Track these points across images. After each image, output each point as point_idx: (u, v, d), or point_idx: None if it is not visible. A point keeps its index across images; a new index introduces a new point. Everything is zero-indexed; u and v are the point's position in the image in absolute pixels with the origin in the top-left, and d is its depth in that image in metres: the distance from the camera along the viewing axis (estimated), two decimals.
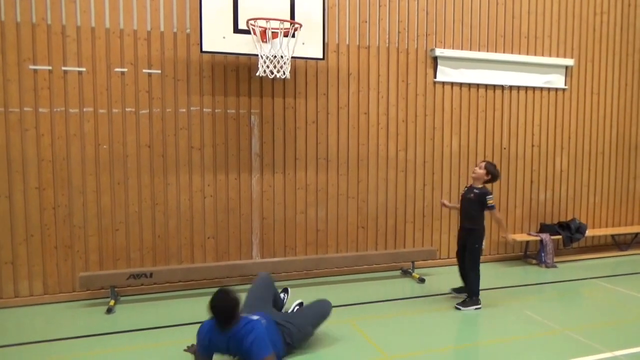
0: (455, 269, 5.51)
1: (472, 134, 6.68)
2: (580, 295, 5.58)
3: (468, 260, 5.01)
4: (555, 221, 7.18)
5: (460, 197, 5.17)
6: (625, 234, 7.55)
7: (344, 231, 6.12)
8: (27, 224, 4.96)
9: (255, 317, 3.39)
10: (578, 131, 7.28)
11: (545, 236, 6.76)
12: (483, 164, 4.96)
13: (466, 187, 5.13)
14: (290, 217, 5.88)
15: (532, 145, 7.01)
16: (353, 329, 4.38)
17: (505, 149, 6.87)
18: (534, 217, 7.14)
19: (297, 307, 4.32)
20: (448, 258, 6.67)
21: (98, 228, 5.18)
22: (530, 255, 7.03)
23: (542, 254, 6.73)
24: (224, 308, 3.25)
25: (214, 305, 3.26)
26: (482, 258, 6.86)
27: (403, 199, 6.39)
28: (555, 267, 6.66)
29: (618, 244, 7.55)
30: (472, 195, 4.96)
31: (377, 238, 6.28)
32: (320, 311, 4.03)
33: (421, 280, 5.89)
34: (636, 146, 7.67)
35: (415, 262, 6.24)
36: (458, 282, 5.70)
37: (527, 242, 6.97)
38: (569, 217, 7.27)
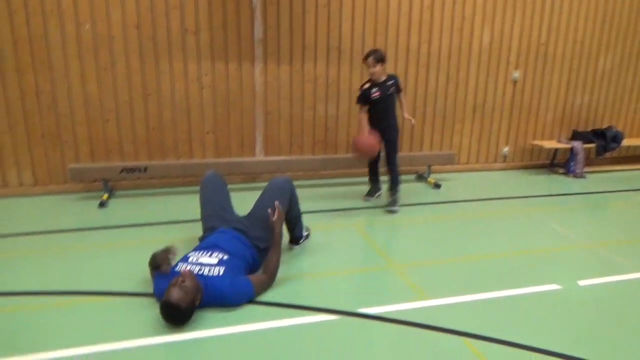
0: (474, 175, 5.09)
1: (506, 27, 5.86)
2: (610, 208, 5.12)
3: (392, 152, 4.65)
4: (590, 128, 6.54)
5: (370, 100, 4.49)
6: None
7: (356, 130, 5.62)
8: (9, 111, 4.57)
9: (210, 273, 2.80)
10: (630, 27, 6.37)
11: (577, 144, 6.17)
12: (372, 59, 4.39)
13: (369, 87, 4.49)
14: (297, 113, 5.38)
15: (574, 42, 6.17)
16: (358, 234, 4.05)
17: (542, 45, 6.07)
18: (567, 123, 6.50)
19: None
20: (467, 163, 6.20)
21: (86, 118, 4.77)
22: (557, 164, 6.49)
23: (571, 163, 6.19)
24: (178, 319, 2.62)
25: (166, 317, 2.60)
26: (504, 165, 6.46)
27: (423, 98, 5.78)
28: (584, 177, 6.14)
29: None
30: (391, 89, 4.54)
31: None
32: (278, 192, 3.37)
33: (437, 186, 5.47)
34: None
35: (432, 167, 5.80)
36: (476, 189, 5.31)
37: (556, 149, 6.40)
38: (605, 125, 6.61)
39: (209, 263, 2.85)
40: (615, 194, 5.56)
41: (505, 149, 6.33)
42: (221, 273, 2.79)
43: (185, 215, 4.31)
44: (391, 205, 4.61)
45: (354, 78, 5.43)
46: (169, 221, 4.20)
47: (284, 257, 3.47)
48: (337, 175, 5.69)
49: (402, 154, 5.77)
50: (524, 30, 5.93)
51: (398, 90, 4.66)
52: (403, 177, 5.77)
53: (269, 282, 3.02)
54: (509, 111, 6.19)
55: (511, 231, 4.27)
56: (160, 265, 2.87)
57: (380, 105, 4.49)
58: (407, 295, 3.05)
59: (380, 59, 4.40)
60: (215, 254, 2.94)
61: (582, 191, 5.59)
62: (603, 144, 6.29)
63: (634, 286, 3.32)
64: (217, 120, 5.13)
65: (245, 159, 5.24)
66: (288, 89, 5.28)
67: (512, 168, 6.42)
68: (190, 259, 2.90)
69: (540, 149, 6.41)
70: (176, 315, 2.56)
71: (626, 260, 3.73)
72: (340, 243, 3.84)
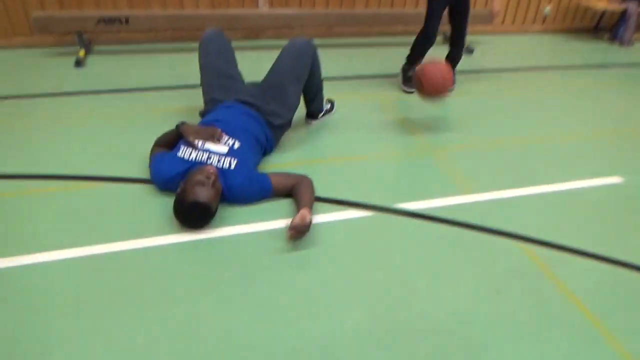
0: (510, 39, 4.33)
1: None
2: None
3: (464, 23, 3.57)
4: None
5: None
6: None
7: None
8: None
9: (220, 165, 2.23)
10: None
11: (632, 5, 5.28)
12: None
13: None
14: None
15: None
16: (385, 109, 3.44)
17: None
18: None
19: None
20: (502, 24, 5.35)
21: None
22: (602, 27, 5.66)
23: (621, 28, 5.37)
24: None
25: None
26: (543, 27, 5.61)
27: None
28: (632, 45, 5.38)
29: None
30: None
31: None
32: (297, 56, 2.68)
33: (469, 51, 4.72)
34: None
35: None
36: (517, 56, 4.62)
37: (603, 12, 5.52)
38: None
39: (218, 152, 2.28)
40: None
41: (548, 8, 5.43)
42: (233, 167, 2.24)
43: (180, 78, 3.62)
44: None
45: None
46: (161, 86, 3.52)
47: (300, 134, 2.92)
48: (354, 34, 4.87)
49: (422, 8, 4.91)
50: None
51: None
52: None
53: (293, 184, 2.33)
54: None
55: (556, 108, 3.69)
56: (188, 135, 2.31)
57: None
58: (450, 187, 2.57)
59: None
60: (224, 139, 2.35)
61: (636, 62, 4.89)
62: None
63: None
64: None
65: (247, 10, 4.35)
66: None
67: (552, 31, 5.59)
68: (194, 144, 2.32)
69: (585, 9, 5.51)
70: (203, 219, 2.08)
71: None
72: (365, 120, 3.25)
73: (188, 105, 3.16)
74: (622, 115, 3.66)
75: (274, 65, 2.72)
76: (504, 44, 5.13)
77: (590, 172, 2.84)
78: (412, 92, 3.61)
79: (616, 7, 5.35)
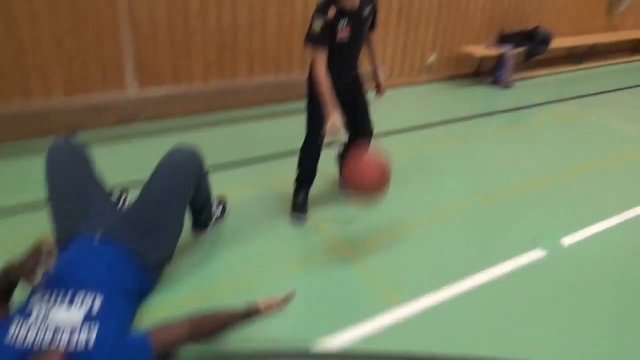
0: (403, 92, 4.18)
1: None
2: (558, 127, 4.59)
3: (367, 112, 2.85)
4: (517, 30, 5.84)
5: (335, 43, 2.43)
6: (580, 45, 6.50)
7: (262, 45, 4.31)
8: None
9: (72, 345, 1.58)
10: None
11: (508, 50, 5.48)
12: None
13: (334, 18, 2.35)
14: (178, 24, 3.90)
15: None
16: (277, 193, 3.02)
17: None
18: (494, 25, 5.73)
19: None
20: (391, 78, 5.26)
21: None
22: (483, 72, 5.82)
23: (500, 71, 5.54)
24: None
25: None
26: (429, 77, 5.64)
27: None
28: (512, 86, 5.56)
29: (574, 56, 6.57)
30: (367, 23, 2.56)
31: (306, 56, 4.60)
32: (180, 173, 2.15)
33: None
34: None
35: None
36: (407, 113, 4.48)
37: (482, 57, 5.68)
38: (531, 24, 5.96)
39: (68, 323, 1.66)
40: (551, 105, 5.06)
41: (432, 58, 5.46)
42: (91, 344, 1.62)
43: (26, 192, 2.91)
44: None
45: None
46: None
47: (189, 255, 2.40)
48: (240, 106, 4.43)
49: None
50: None
51: (371, 26, 2.65)
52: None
53: (190, 337, 1.77)
54: (436, 13, 5.22)
55: (452, 170, 3.53)
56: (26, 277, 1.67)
57: (347, 51, 2.52)
58: (375, 303, 2.19)
59: None
60: (78, 298, 1.74)
61: (520, 105, 5.00)
62: (533, 48, 5.67)
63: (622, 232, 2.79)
64: (63, 37, 3.49)
65: (111, 94, 3.75)
66: None
67: (438, 79, 5.63)
68: (34, 314, 1.69)
69: (465, 56, 5.63)
70: None
71: (602, 193, 3.19)
72: (264, 219, 2.79)
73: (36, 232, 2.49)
74: (524, 169, 3.60)
75: (148, 185, 2.14)
76: (393, 98, 5.01)
77: (510, 248, 2.64)
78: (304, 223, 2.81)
79: (493, 52, 5.52)
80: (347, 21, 2.37)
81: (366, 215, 2.82)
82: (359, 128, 2.82)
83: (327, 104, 2.37)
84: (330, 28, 2.35)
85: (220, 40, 4.09)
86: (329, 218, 2.84)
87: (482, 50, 5.51)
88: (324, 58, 2.39)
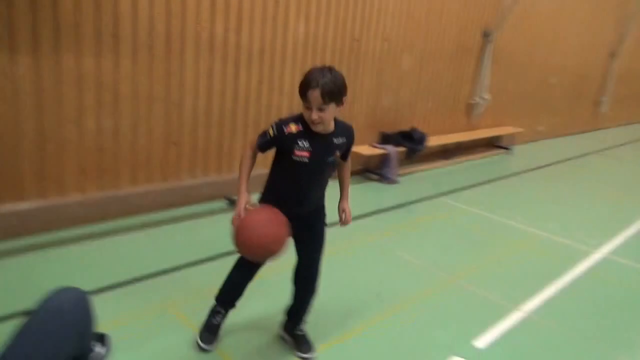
0: None
1: (322, 18, 5.01)
2: (442, 222, 4.83)
3: (319, 253, 2.48)
4: (395, 130, 6.30)
5: (289, 159, 2.20)
6: (449, 143, 7.20)
7: (146, 150, 4.03)
8: None
9: None
10: (430, 25, 6.28)
11: (391, 149, 5.83)
12: (319, 92, 2.04)
13: (295, 135, 2.16)
14: (51, 131, 3.50)
15: (383, 40, 5.75)
16: (184, 325, 2.65)
17: (357, 41, 5.45)
18: (376, 125, 6.12)
19: None
20: None
21: None
22: (370, 170, 6.09)
23: (386, 169, 5.84)
24: None
25: None
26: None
27: (232, 103, 4.52)
28: (398, 182, 5.87)
29: (446, 152, 7.22)
30: (335, 152, 2.28)
31: (196, 159, 4.39)
32: (58, 328, 1.63)
33: None
34: (469, 49, 7.15)
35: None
36: None
37: (370, 155, 5.96)
38: (407, 126, 6.48)
39: None
40: (434, 200, 5.37)
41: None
42: None
43: None
44: (306, 351, 2.51)
45: (140, 77, 3.82)
46: None
47: None
48: (126, 215, 4.01)
49: (209, 178, 4.46)
50: (339, 24, 5.19)
51: (344, 156, 2.41)
52: (211, 206, 4.46)
53: None
54: None
55: (357, 266, 3.47)
56: None
57: (305, 174, 2.24)
58: None
59: (337, 94, 2.10)
60: None
61: (406, 200, 5.24)
62: (412, 147, 6.12)
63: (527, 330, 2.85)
64: None
65: None
66: (34, 94, 3.36)
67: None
68: None
69: (353, 155, 5.85)
70: None
71: (495, 294, 3.29)
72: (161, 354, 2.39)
73: None
74: (418, 272, 3.64)
75: (11, 349, 1.59)
76: None
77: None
78: (209, 351, 2.46)
79: (378, 151, 5.83)
80: (309, 144, 2.16)
81: None
82: (303, 274, 2.48)
83: (241, 182, 2.24)
84: (284, 142, 2.18)
85: (97, 144, 3.73)
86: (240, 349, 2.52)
87: (368, 149, 5.80)
88: (254, 150, 2.27)
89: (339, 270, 3.44)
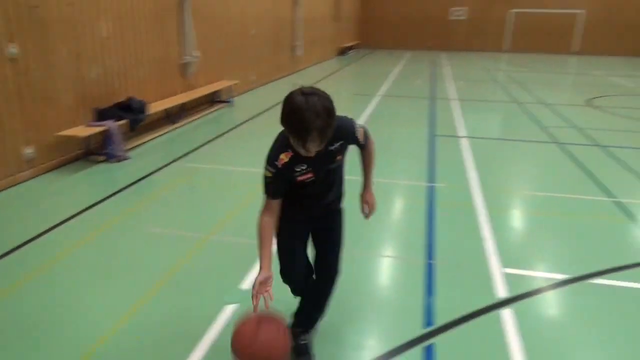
0: None
1: None
2: (184, 186, 4.80)
3: (337, 252, 2.35)
4: (110, 103, 5.82)
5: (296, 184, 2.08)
6: (171, 107, 7.08)
7: None
8: None
9: None
10: None
11: (111, 124, 5.38)
12: (319, 135, 1.81)
13: (289, 162, 2.00)
14: None
15: (67, 4, 5.08)
16: None
17: (36, 7, 4.67)
18: (87, 101, 5.52)
19: None
20: None
21: None
22: (94, 151, 5.52)
23: (110, 147, 5.39)
24: None
25: None
26: (34, 171, 4.90)
27: None
28: (128, 158, 5.52)
29: (170, 117, 7.07)
30: (337, 157, 2.12)
31: None
32: None
33: None
34: (169, 8, 6.97)
35: None
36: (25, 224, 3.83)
37: (89, 135, 5.38)
38: (122, 96, 6.05)
39: None
40: (172, 168, 5.27)
41: (29, 151, 4.79)
42: None
43: None
44: None
45: None
46: None
47: None
48: None
49: None
50: None
51: (359, 147, 2.22)
52: None
53: None
54: (17, 100, 4.60)
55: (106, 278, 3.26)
56: None
57: (313, 187, 2.11)
58: None
59: (329, 128, 1.82)
60: None
61: (143, 174, 4.99)
62: (133, 117, 5.77)
63: None
64: None
65: None
66: None
67: (46, 170, 4.99)
68: None
69: (68, 139, 5.21)
70: None
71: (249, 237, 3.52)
72: None
73: None
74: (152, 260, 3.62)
75: None
76: None
77: None
78: None
79: (96, 129, 5.31)
80: (307, 165, 2.01)
81: None
82: (321, 266, 2.32)
83: (260, 257, 2.01)
84: (286, 173, 1.99)
85: None
86: None
87: (83, 130, 5.22)
88: (271, 208, 2.05)
89: (94, 258, 3.12)
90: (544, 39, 21.82)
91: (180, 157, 5.60)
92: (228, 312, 2.69)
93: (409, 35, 23.07)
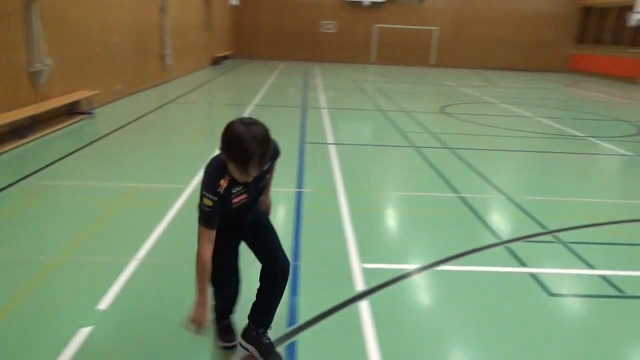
0: None
1: None
2: (37, 206, 4.37)
3: (278, 242, 2.48)
4: None
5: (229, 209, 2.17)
6: (18, 119, 6.41)
7: None
8: None
9: None
10: None
11: None
12: (258, 162, 1.98)
13: (228, 187, 2.09)
14: None
15: None
16: None
17: None
18: None
19: None
20: None
21: None
22: None
23: None
24: None
25: None
26: None
27: None
28: None
29: (18, 130, 6.39)
30: (266, 177, 2.35)
31: None
32: None
33: None
34: (8, 12, 6.32)
35: None
36: None
37: None
38: None
39: None
40: (25, 183, 4.77)
41: None
42: None
43: None
44: None
45: None
46: None
47: None
48: None
49: None
50: None
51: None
52: None
53: None
54: None
55: None
56: None
57: (245, 207, 2.26)
58: None
59: (268, 154, 2.03)
60: None
61: None
62: None
63: None
64: None
65: None
66: None
67: None
68: None
69: None
70: None
71: (105, 255, 3.35)
72: None
73: None
74: None
75: None
76: None
77: None
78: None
79: None
80: (242, 188, 2.15)
81: None
82: (272, 263, 2.41)
83: (199, 293, 2.10)
84: (224, 201, 2.09)
85: None
86: None
87: None
88: (210, 238, 2.11)
89: None
90: (407, 53, 23.72)
91: (30, 174, 5.09)
92: (83, 335, 2.53)
93: (283, 46, 23.57)
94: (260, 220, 2.46)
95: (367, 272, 3.32)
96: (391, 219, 4.54)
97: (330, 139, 7.41)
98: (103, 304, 2.81)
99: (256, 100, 10.78)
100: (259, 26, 23.30)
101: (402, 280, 3.27)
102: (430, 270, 3.42)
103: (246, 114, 9.03)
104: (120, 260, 3.30)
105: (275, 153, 2.28)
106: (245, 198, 2.18)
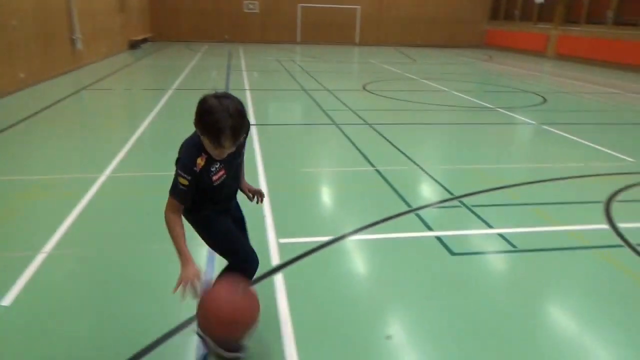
0: None
1: None
2: None
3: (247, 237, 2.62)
4: None
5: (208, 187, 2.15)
6: None
7: None
8: None
9: None
10: None
11: None
12: (231, 137, 2.01)
13: (206, 165, 2.09)
14: None
15: None
16: None
17: None
18: None
19: None
20: None
21: None
22: None
23: None
24: None
25: None
26: None
27: None
28: None
29: None
30: (241, 154, 2.39)
31: None
32: None
33: None
34: None
35: None
36: None
37: None
38: None
39: None
40: None
41: None
42: None
43: None
44: (236, 349, 2.35)
45: None
46: None
47: None
48: None
49: None
50: None
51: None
52: None
53: None
54: None
55: None
56: None
57: (226, 184, 2.24)
58: None
59: (246, 128, 2.09)
60: None
61: None
62: None
63: None
64: None
65: None
66: None
67: None
68: None
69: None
70: None
71: (10, 251, 3.19)
72: None
73: None
74: None
75: None
76: None
77: None
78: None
79: None
80: (220, 164, 2.14)
81: None
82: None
83: (179, 254, 2.05)
84: (200, 179, 2.08)
85: None
86: None
87: None
88: (178, 210, 2.10)
89: None
90: (332, 32, 23.83)
91: None
92: None
93: (206, 27, 22.88)
94: (237, 206, 2.52)
95: (283, 247, 3.41)
96: (309, 195, 4.64)
97: (252, 120, 7.38)
98: (6, 300, 2.70)
99: (176, 84, 10.46)
100: (179, 7, 22.44)
101: (317, 252, 3.38)
102: (343, 241, 3.56)
103: (165, 98, 8.77)
104: (25, 255, 3.17)
105: (248, 125, 2.18)
106: (224, 174, 2.17)
